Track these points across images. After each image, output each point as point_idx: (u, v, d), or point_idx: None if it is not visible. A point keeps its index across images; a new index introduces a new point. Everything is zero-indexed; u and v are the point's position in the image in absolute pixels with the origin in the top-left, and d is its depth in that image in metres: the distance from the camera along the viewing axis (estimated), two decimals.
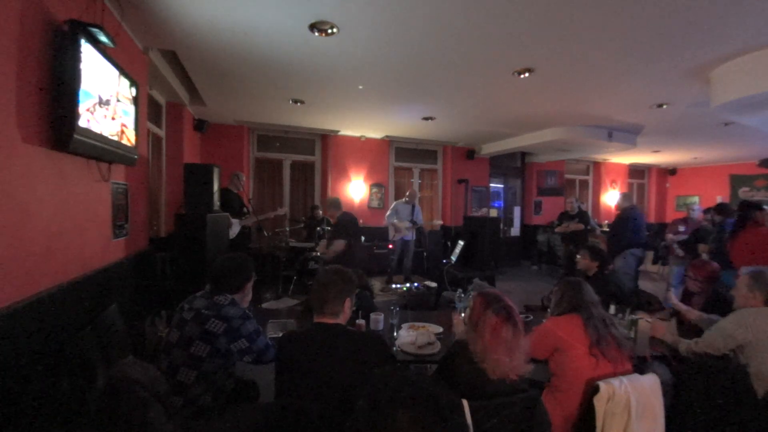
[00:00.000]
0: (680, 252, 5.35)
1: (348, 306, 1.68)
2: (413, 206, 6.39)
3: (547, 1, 2.50)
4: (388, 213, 6.47)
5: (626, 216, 5.14)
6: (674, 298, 2.70)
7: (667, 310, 2.96)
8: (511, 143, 7.26)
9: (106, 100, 2.30)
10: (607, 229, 7.83)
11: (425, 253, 7.03)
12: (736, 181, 9.51)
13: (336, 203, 4.56)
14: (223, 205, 4.49)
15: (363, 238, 5.17)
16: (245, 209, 5.04)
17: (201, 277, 3.51)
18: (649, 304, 3.09)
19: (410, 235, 6.44)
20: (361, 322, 2.37)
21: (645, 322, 2.44)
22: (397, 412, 0.66)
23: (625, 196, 5.42)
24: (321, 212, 6.68)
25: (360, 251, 4.68)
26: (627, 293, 3.02)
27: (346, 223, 4.32)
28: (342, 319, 1.66)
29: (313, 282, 1.68)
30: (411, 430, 0.64)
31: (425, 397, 0.69)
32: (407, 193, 6.50)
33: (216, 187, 3.98)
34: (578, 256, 3.22)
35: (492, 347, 1.46)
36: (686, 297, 2.99)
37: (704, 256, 4.48)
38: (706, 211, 5.35)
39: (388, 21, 2.83)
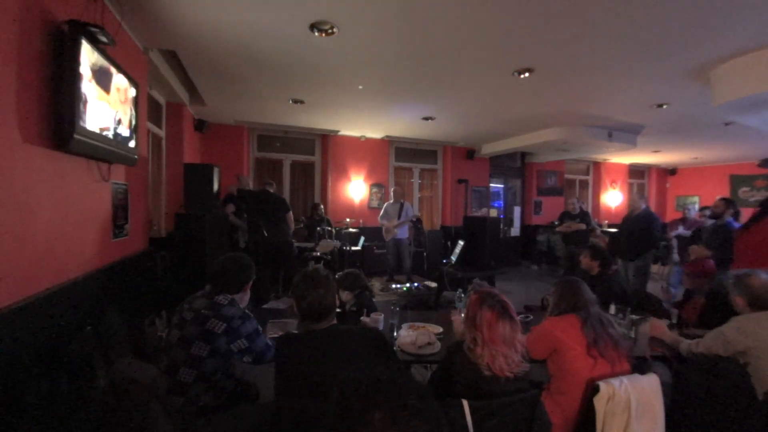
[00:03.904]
0: (677, 257, 5.36)
1: (337, 299, 1.68)
2: (401, 204, 6.43)
3: (547, 0, 2.51)
4: (380, 215, 6.57)
5: (652, 215, 5.12)
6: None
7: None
8: (511, 143, 7.26)
9: (106, 100, 2.30)
10: (609, 229, 7.86)
11: (425, 253, 7.03)
12: (736, 181, 9.51)
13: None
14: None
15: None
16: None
17: (201, 277, 3.52)
18: (650, 304, 3.08)
19: (402, 234, 6.48)
20: (366, 319, 2.38)
21: (645, 322, 2.44)
22: (372, 413, 0.63)
23: (640, 196, 5.40)
24: (322, 211, 6.71)
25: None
26: (630, 295, 3.01)
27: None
28: (334, 316, 1.66)
29: (300, 300, 1.57)
30: (388, 430, 0.63)
31: (399, 394, 0.66)
32: (392, 191, 6.67)
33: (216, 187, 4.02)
34: (581, 257, 3.22)
35: (490, 342, 1.47)
36: (687, 296, 2.99)
37: (692, 257, 4.34)
38: (702, 209, 5.31)
39: (388, 21, 2.83)
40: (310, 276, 1.61)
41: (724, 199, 4.73)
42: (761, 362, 1.91)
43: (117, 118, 2.48)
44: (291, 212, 5.03)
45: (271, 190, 5.05)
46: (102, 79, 2.22)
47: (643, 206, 5.18)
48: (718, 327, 2.10)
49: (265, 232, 4.76)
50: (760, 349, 1.91)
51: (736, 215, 4.76)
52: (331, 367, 1.50)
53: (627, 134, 6.43)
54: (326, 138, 7.31)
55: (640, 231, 4.96)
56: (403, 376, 0.73)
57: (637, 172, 10.93)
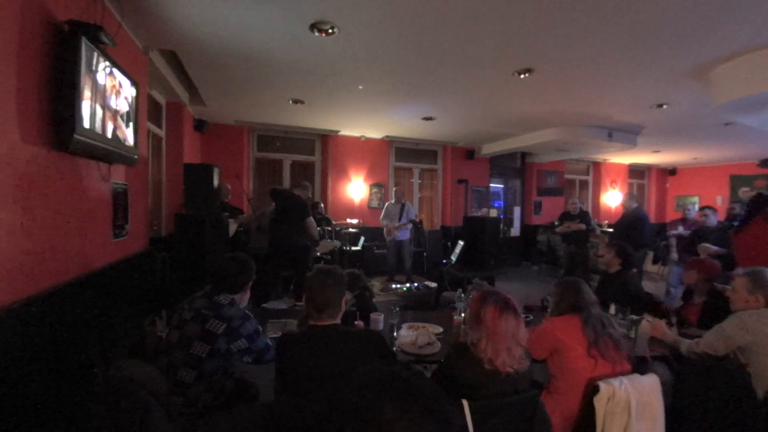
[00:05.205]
0: (676, 257, 5.37)
1: (344, 302, 1.69)
2: (403, 205, 6.42)
3: (547, 1, 2.51)
4: (382, 215, 6.58)
5: (639, 215, 5.14)
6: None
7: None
8: (511, 143, 7.26)
9: (107, 100, 2.30)
10: (609, 229, 7.85)
11: (425, 253, 7.03)
12: (736, 181, 9.50)
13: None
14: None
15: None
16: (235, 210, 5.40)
17: (201, 277, 3.52)
18: (652, 303, 3.08)
19: (403, 236, 6.46)
20: (359, 323, 2.37)
21: (645, 322, 2.44)
22: (384, 405, 0.65)
23: (631, 196, 5.42)
24: (322, 211, 6.71)
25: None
26: (643, 298, 3.00)
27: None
28: (338, 318, 1.67)
29: (307, 288, 1.64)
30: (397, 422, 0.64)
31: (412, 390, 0.68)
32: (393, 192, 6.70)
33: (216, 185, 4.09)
34: (603, 251, 3.21)
35: (494, 335, 1.47)
36: (686, 296, 2.99)
37: (702, 257, 4.38)
38: (701, 209, 5.30)
39: (388, 21, 2.83)
40: (325, 268, 1.69)
41: (761, 196, 4.59)
42: (761, 358, 1.91)
43: (117, 118, 2.48)
44: (310, 218, 4.82)
45: (300, 192, 4.88)
46: (102, 79, 2.22)
47: (634, 205, 5.19)
48: (718, 324, 2.10)
49: (271, 235, 4.74)
50: (760, 344, 1.92)
51: None
52: (330, 367, 1.51)
53: (627, 134, 6.43)
54: (326, 138, 7.31)
55: (627, 231, 4.98)
56: (418, 375, 0.75)
57: (637, 172, 10.93)
